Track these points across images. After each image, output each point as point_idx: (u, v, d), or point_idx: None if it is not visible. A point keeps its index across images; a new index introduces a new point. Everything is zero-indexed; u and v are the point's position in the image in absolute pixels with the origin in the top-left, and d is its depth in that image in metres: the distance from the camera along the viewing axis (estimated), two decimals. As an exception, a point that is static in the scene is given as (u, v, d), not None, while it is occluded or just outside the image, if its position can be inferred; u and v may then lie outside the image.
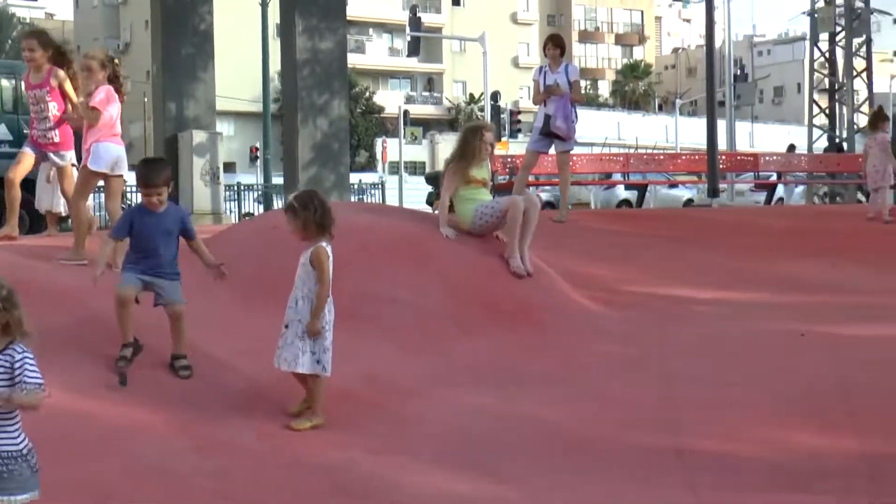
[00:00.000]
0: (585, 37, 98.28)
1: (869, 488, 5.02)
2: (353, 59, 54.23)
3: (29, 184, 9.48)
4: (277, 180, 29.62)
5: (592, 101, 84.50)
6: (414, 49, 49.03)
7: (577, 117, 12.73)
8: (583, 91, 15.40)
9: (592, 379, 6.85)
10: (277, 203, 26.84)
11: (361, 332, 6.76)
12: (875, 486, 5.05)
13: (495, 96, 45.99)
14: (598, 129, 60.45)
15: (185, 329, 6.04)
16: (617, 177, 25.44)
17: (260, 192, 29.18)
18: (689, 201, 27.92)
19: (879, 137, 15.32)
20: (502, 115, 45.74)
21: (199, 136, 19.15)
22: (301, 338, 5.68)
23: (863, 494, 4.94)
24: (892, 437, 5.72)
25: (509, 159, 20.44)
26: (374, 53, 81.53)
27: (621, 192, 29.26)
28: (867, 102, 33.22)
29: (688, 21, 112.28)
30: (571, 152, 13.64)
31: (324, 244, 5.79)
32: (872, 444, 5.59)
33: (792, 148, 34.22)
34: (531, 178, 17.42)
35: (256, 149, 44.76)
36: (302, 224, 5.80)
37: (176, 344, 6.08)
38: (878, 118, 15.77)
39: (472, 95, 78.78)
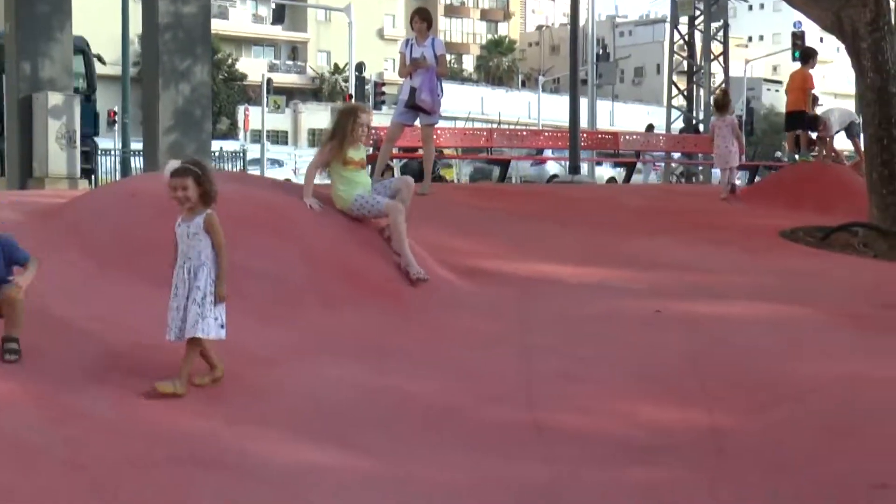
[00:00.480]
0: (451, 11, 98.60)
1: (716, 460, 5.20)
2: (217, 25, 53.30)
3: None
4: (136, 145, 28.92)
5: (457, 76, 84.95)
6: (278, 17, 48.48)
7: (442, 91, 12.79)
8: (448, 65, 15.45)
9: (454, 352, 6.91)
10: (136, 168, 26.25)
11: (221, 303, 6.68)
12: (722, 458, 5.23)
13: (360, 67, 45.79)
14: (462, 103, 60.81)
15: (21, 312, 5.67)
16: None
17: (119, 157, 28.43)
18: (554, 177, 28.34)
19: (728, 119, 16.03)
20: (367, 87, 45.59)
21: (54, 98, 18.61)
22: (201, 304, 5.61)
23: (710, 466, 5.11)
24: (739, 412, 5.92)
25: (373, 131, 20.39)
26: (237, 20, 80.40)
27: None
28: (724, 85, 34.17)
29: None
30: (435, 126, 13.70)
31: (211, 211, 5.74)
32: (720, 419, 5.78)
33: (651, 128, 34.99)
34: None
35: (114, 113, 43.62)
36: (201, 192, 5.70)
37: (8, 326, 5.62)
38: (724, 100, 16.53)
39: (336, 66, 78.39)
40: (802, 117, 17.25)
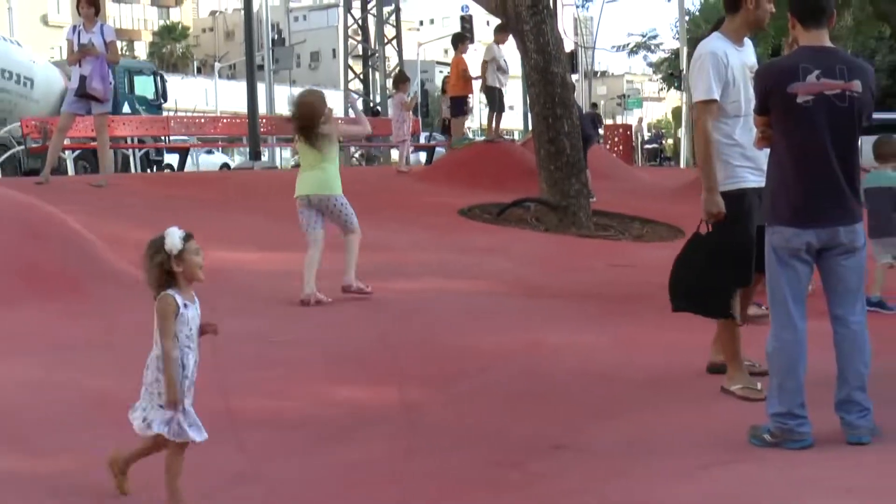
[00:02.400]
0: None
1: (410, 434, 5.34)
2: None
3: None
4: None
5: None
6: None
7: (114, 79, 12.39)
8: (119, 52, 14.95)
9: (137, 346, 6.71)
10: None
11: None
12: (413, 430, 5.38)
13: (24, 55, 43.48)
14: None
15: None
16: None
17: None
18: (225, 165, 28.01)
19: (397, 98, 17.19)
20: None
21: None
22: None
23: (404, 440, 5.24)
24: (429, 386, 6.12)
25: (44, 123, 19.44)
26: None
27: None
28: (398, 68, 34.83)
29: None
30: (109, 114, 13.24)
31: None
32: (412, 393, 5.95)
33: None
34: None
35: None
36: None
37: None
38: (399, 79, 17.80)
39: None
40: (460, 101, 18.24)
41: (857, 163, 4.97)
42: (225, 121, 27.69)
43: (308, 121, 8.22)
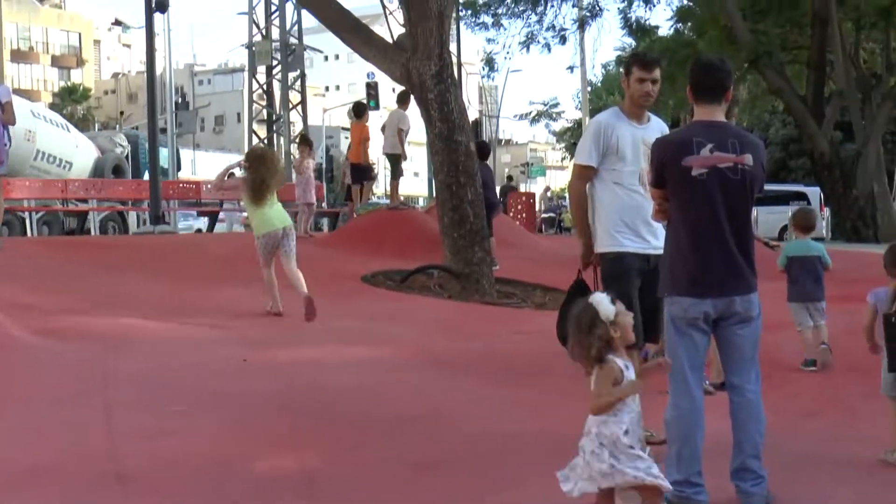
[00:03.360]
0: (19, 56, 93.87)
1: (307, 500, 5.26)
2: None
3: None
4: None
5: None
6: None
7: (10, 140, 12.17)
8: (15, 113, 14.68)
9: (28, 412, 6.54)
10: None
11: None
12: (314, 500, 5.30)
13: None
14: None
15: None
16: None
17: None
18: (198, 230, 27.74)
19: (298, 162, 18.50)
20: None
21: None
22: None
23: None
24: (330, 453, 6.04)
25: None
26: None
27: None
28: (301, 133, 34.87)
29: (128, 46, 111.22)
30: (4, 176, 12.99)
31: None
32: (311, 461, 5.87)
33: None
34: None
35: None
36: None
37: None
38: (302, 143, 18.53)
39: None
40: (362, 169, 18.55)
41: (751, 233, 5.09)
42: (126, 183, 27.28)
43: (271, 169, 10.98)
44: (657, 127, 6.19)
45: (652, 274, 5.78)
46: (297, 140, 19.43)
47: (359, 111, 19.25)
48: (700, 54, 5.77)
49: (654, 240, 5.93)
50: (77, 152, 28.16)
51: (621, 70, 6.27)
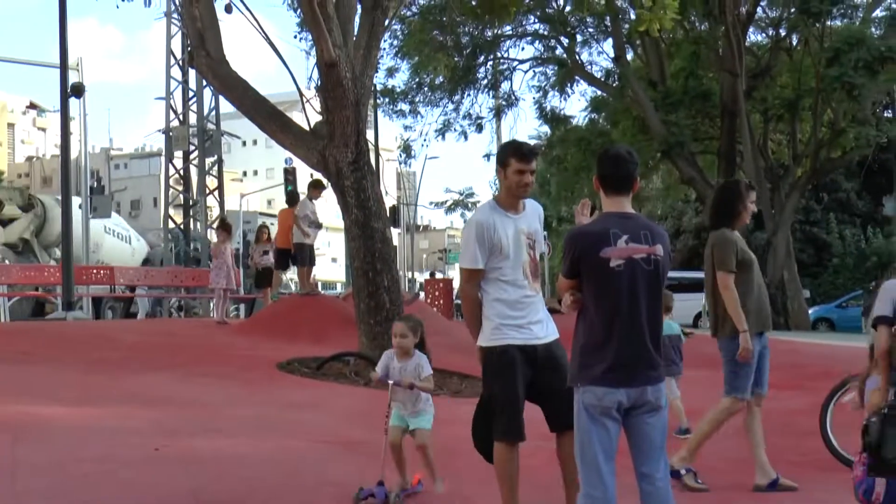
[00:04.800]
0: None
1: None
2: None
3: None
4: None
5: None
6: None
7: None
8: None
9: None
10: None
11: None
12: None
13: None
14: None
15: None
16: None
17: None
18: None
19: (214, 247, 18.50)
20: None
21: None
22: None
23: None
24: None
25: None
26: None
27: None
28: (219, 217, 34.74)
29: (43, 130, 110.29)
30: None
31: None
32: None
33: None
34: None
35: None
36: None
37: None
38: (220, 227, 18.49)
39: None
40: (289, 254, 18.57)
41: (661, 323, 5.17)
42: (36, 268, 26.87)
43: None
44: (533, 211, 6.17)
45: (544, 364, 5.85)
46: (217, 224, 19.45)
47: (292, 199, 19.72)
48: (608, 146, 5.85)
49: (540, 331, 5.97)
50: (132, 259, 34.70)
51: (496, 161, 6.18)
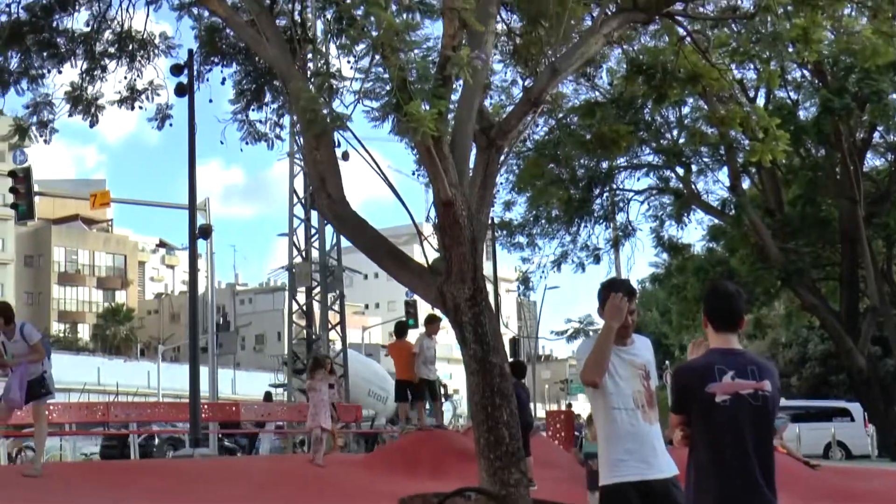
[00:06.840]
0: (66, 279, 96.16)
1: None
2: None
3: None
4: None
5: (71, 346, 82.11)
6: None
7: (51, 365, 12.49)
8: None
9: None
10: None
11: None
12: None
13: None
14: (78, 374, 58.65)
15: None
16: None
17: None
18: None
19: (310, 383, 17.31)
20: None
21: None
22: None
23: None
24: None
25: None
26: None
27: None
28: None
29: (172, 267, 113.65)
30: (49, 401, 13.26)
31: None
32: None
33: (269, 396, 35.32)
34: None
35: None
36: None
37: None
38: (314, 366, 17.81)
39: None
40: (409, 386, 18.42)
41: (773, 456, 5.20)
42: (165, 404, 27.54)
43: None
44: (643, 345, 6.14)
45: (658, 497, 5.78)
46: (310, 363, 19.41)
47: (400, 331, 19.62)
48: (715, 282, 5.92)
49: (655, 461, 5.82)
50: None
51: (598, 299, 6.17)
